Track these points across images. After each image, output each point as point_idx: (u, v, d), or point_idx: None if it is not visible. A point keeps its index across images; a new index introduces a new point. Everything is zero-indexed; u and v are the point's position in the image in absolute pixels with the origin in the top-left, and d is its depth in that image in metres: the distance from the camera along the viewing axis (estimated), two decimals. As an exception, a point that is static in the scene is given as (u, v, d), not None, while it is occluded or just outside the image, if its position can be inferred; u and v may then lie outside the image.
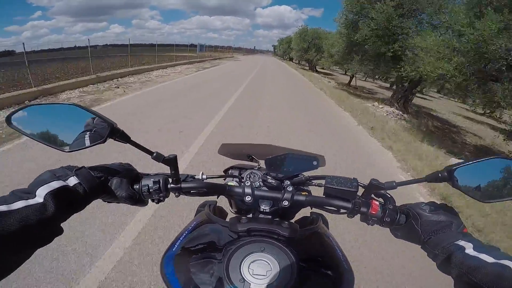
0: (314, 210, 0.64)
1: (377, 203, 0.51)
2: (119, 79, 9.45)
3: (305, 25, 27.51)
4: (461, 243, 0.41)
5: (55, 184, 0.40)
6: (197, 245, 0.54)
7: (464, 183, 0.45)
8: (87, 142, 0.47)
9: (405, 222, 0.50)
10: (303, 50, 26.52)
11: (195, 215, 0.70)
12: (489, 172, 0.46)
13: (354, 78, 16.36)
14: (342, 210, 0.53)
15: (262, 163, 0.71)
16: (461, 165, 0.45)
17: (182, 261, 0.51)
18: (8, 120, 0.46)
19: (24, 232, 0.35)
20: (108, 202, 0.51)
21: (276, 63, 36.38)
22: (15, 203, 0.36)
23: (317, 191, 0.61)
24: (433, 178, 0.46)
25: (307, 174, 0.64)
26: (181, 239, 0.56)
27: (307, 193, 0.60)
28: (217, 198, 0.62)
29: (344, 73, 26.34)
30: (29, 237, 0.36)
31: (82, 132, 0.48)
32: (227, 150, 0.85)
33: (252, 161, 0.77)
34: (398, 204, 0.52)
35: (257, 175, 0.64)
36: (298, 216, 0.73)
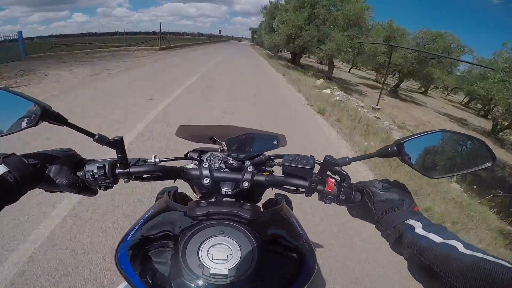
0: (278, 191, 0.64)
1: (333, 180, 0.51)
2: None
3: None
4: (411, 222, 0.41)
5: None
6: (154, 234, 0.51)
7: (413, 157, 0.46)
8: (20, 126, 0.43)
9: (360, 200, 0.50)
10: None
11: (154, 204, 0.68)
12: (436, 146, 0.47)
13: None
14: (300, 189, 0.53)
15: (225, 144, 0.69)
16: (408, 139, 0.45)
17: (137, 250, 0.49)
18: None
19: None
20: (49, 191, 0.48)
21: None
22: None
23: (280, 171, 0.60)
24: (383, 153, 0.47)
25: (268, 153, 0.63)
26: (136, 227, 0.54)
27: (268, 173, 0.59)
28: (174, 182, 0.60)
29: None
30: None
31: (16, 115, 0.44)
32: (186, 132, 0.82)
33: (215, 143, 0.75)
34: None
35: (217, 156, 0.62)
36: (265, 198, 0.72)
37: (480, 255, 0.33)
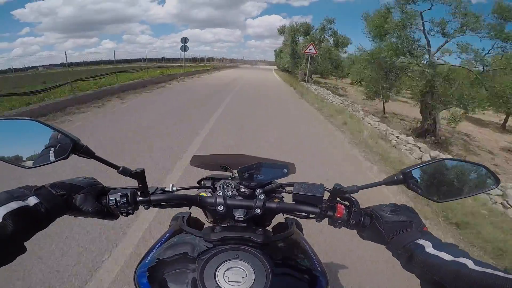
0: (288, 216, 0.66)
1: (342, 206, 0.53)
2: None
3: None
4: (421, 241, 0.43)
5: (14, 205, 0.40)
6: (171, 256, 0.53)
7: (418, 184, 0.48)
8: (51, 158, 0.47)
9: (369, 224, 0.51)
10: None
11: (169, 228, 0.70)
12: (441, 173, 0.49)
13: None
14: (311, 215, 0.55)
15: (236, 172, 0.72)
16: (414, 167, 0.48)
17: (156, 272, 0.51)
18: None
19: None
20: (76, 217, 0.51)
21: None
22: None
23: (290, 198, 0.62)
24: (390, 181, 0.49)
25: (280, 181, 0.65)
26: (154, 250, 0.56)
27: (279, 200, 0.61)
28: (189, 208, 0.62)
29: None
30: None
31: (47, 147, 0.47)
32: (199, 161, 0.85)
33: (226, 171, 0.77)
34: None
35: (230, 184, 0.64)
36: (275, 221, 0.74)
37: (490, 271, 0.33)
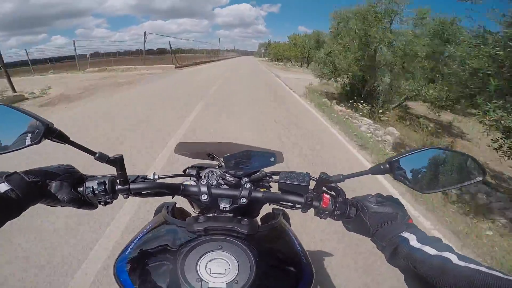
0: (275, 206, 0.65)
1: (328, 196, 0.52)
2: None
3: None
4: (406, 234, 0.43)
5: None
6: (153, 248, 0.52)
7: (405, 174, 0.47)
8: (23, 143, 0.44)
9: (355, 215, 0.51)
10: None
11: (153, 218, 0.68)
12: (427, 162, 0.49)
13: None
14: (297, 205, 0.54)
15: (222, 161, 0.71)
16: (400, 156, 0.47)
17: (136, 264, 0.50)
18: None
19: None
20: (51, 206, 0.49)
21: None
22: None
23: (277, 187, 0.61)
24: (376, 170, 0.48)
25: (267, 170, 0.64)
26: (135, 241, 0.54)
27: (265, 190, 0.60)
28: (172, 198, 0.61)
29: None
30: None
31: (21, 133, 0.45)
32: (184, 149, 0.83)
33: (213, 160, 0.76)
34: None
35: (216, 173, 0.63)
36: (264, 212, 0.73)
37: (473, 266, 0.33)
